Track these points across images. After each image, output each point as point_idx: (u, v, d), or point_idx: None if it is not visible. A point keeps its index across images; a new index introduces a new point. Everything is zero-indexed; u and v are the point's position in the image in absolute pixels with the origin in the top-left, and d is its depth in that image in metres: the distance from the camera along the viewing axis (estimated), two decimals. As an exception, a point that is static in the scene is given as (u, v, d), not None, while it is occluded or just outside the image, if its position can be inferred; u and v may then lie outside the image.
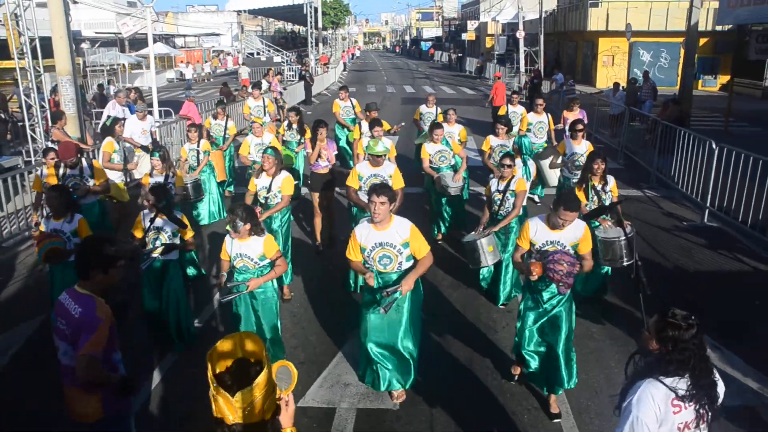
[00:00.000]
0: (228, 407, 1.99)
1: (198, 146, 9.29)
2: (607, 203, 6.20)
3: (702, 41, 28.84)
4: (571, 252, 4.57)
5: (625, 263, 5.79)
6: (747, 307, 6.59)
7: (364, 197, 6.45)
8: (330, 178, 8.18)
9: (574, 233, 4.61)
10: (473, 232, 6.50)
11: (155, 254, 5.46)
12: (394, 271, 4.66)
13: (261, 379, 2.00)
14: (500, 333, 6.08)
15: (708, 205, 9.23)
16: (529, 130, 10.06)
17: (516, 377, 5.18)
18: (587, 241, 4.64)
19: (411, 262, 4.69)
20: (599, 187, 6.28)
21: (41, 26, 13.38)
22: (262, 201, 6.72)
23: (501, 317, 6.43)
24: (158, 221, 5.52)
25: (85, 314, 3.24)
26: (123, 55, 37.55)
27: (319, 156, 8.04)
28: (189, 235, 5.70)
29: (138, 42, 42.87)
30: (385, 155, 6.69)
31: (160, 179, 7.14)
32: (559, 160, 8.12)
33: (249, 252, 4.87)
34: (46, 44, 11.44)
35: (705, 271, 7.57)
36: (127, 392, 3.46)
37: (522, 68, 30.87)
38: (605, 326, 6.18)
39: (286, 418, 2.24)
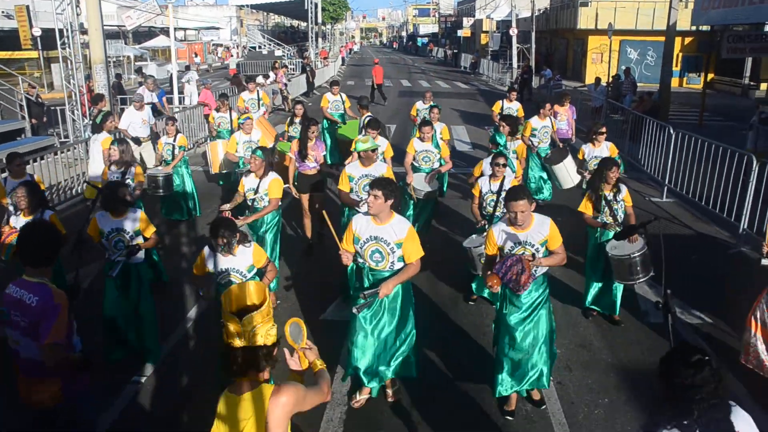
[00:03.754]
0: (235, 329, 2.43)
1: (174, 140, 9.06)
2: (619, 213, 5.98)
3: (687, 40, 30.24)
4: (542, 249, 4.54)
5: (637, 281, 5.66)
6: (686, 261, 7.95)
7: (357, 198, 6.27)
8: (318, 179, 7.87)
9: (540, 231, 4.53)
10: (474, 236, 6.25)
11: (122, 258, 5.21)
12: (386, 269, 4.56)
13: (264, 308, 2.48)
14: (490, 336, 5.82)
15: (666, 183, 10.62)
16: (533, 136, 9.76)
17: (513, 413, 4.81)
18: (555, 236, 4.57)
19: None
20: (611, 197, 5.96)
21: (48, 18, 14.27)
22: (249, 203, 6.49)
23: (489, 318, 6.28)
24: (117, 222, 5.21)
25: (44, 302, 3.26)
26: (128, 47, 38.67)
27: (307, 157, 7.69)
28: (150, 232, 5.39)
29: (140, 34, 44.05)
30: (375, 150, 6.30)
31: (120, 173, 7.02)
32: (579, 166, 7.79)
33: (237, 265, 4.60)
34: (51, 35, 12.47)
35: (656, 234, 8.91)
36: (85, 368, 3.53)
37: (515, 64, 32.21)
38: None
39: (312, 355, 2.76)
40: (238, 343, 2.43)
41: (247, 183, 6.48)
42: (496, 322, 4.87)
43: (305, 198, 7.89)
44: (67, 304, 3.33)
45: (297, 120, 10.06)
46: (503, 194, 5.90)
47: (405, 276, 4.51)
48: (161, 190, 8.58)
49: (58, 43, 11.97)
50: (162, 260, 7.31)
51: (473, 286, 6.69)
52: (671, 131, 10.56)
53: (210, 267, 4.63)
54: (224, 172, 10.25)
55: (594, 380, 5.22)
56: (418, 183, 7.50)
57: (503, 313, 4.66)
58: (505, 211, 5.72)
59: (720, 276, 7.49)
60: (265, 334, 2.46)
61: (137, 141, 10.32)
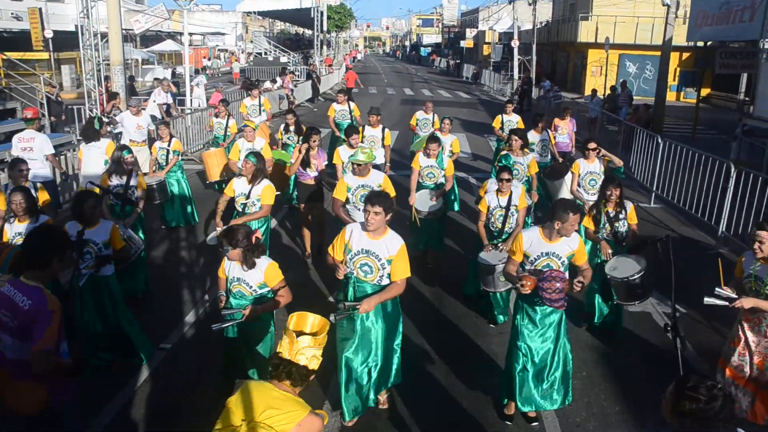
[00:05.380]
0: (289, 342, 2.83)
1: (169, 145, 8.91)
2: (621, 230, 5.94)
3: (685, 56, 30.92)
4: (566, 263, 4.54)
5: (637, 303, 5.73)
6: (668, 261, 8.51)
7: (353, 212, 6.14)
8: (317, 189, 7.77)
9: (568, 244, 4.50)
10: (483, 252, 6.17)
11: (89, 270, 5.09)
12: (374, 282, 4.51)
13: (319, 337, 2.91)
14: (490, 349, 6.04)
15: (654, 189, 11.23)
16: (531, 150, 9.43)
17: (511, 417, 4.90)
18: (582, 251, 4.56)
19: None
20: (613, 214, 5.95)
21: (58, 21, 14.60)
22: (240, 208, 6.36)
23: (489, 334, 6.34)
24: (87, 233, 5.00)
25: (37, 306, 3.19)
26: (136, 50, 39.35)
27: (308, 165, 7.56)
28: (119, 245, 5.29)
29: (147, 38, 44.75)
30: (369, 163, 6.19)
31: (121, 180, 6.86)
32: (574, 185, 7.53)
33: (247, 278, 4.46)
34: (61, 38, 13.01)
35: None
36: (76, 374, 3.51)
37: (516, 75, 32.92)
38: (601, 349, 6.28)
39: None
40: (284, 354, 2.82)
41: (238, 187, 6.36)
42: (511, 339, 4.82)
43: (304, 207, 7.84)
44: (60, 311, 3.27)
45: (292, 128, 10.16)
46: (513, 209, 6.21)
47: (388, 295, 4.45)
48: (157, 198, 8.41)
49: (81, 45, 12.64)
50: (158, 267, 7.39)
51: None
52: (659, 140, 11.17)
53: (225, 271, 4.58)
54: (222, 179, 9.86)
55: (574, 357, 5.70)
56: (421, 202, 7.25)
57: (518, 327, 4.64)
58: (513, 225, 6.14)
59: (697, 274, 8.04)
60: (310, 357, 2.83)
61: (120, 146, 9.79)
